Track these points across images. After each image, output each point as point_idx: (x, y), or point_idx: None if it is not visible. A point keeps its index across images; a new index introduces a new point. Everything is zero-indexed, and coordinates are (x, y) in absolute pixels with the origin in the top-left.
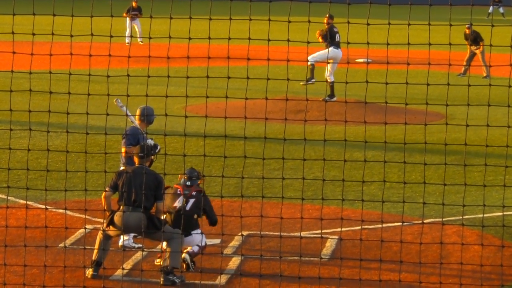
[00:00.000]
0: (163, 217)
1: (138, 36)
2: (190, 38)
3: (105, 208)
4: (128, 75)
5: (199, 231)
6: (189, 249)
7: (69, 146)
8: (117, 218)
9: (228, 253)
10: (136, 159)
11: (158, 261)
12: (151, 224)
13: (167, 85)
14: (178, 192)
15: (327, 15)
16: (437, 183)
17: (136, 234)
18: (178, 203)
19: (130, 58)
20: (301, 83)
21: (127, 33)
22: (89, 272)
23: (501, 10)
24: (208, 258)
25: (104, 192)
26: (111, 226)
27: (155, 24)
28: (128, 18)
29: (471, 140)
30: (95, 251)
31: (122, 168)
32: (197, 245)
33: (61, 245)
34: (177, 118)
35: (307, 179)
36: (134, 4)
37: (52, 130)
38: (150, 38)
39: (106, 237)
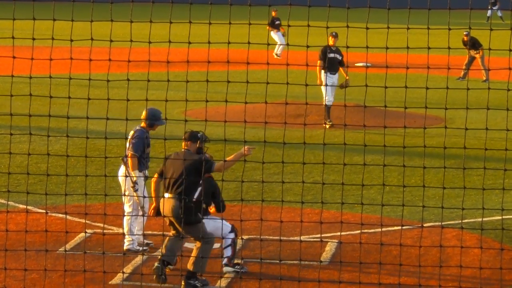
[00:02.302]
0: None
1: (278, 44)
2: (190, 43)
3: (152, 194)
4: (128, 80)
5: (219, 221)
6: (224, 261)
7: (69, 150)
8: (160, 205)
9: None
10: (183, 143)
11: (168, 268)
12: (186, 217)
13: (167, 90)
14: None
15: (334, 34)
16: (437, 187)
17: (140, 237)
18: None
19: (130, 62)
20: (327, 126)
21: (280, 42)
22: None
23: (499, 13)
24: (208, 262)
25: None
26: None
27: (154, 28)
28: (271, 31)
29: (471, 144)
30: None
31: (122, 167)
32: (229, 247)
33: (61, 249)
34: (177, 123)
35: (307, 182)
36: (274, 13)
37: (52, 134)
38: (150, 42)
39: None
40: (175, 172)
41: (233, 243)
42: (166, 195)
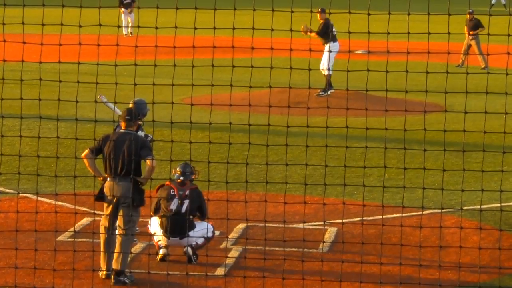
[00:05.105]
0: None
1: (128, 26)
2: (195, 28)
3: (92, 171)
4: (135, 65)
5: (204, 224)
6: (193, 244)
7: (77, 135)
8: (105, 189)
9: (230, 244)
10: (122, 123)
11: (160, 255)
12: (136, 199)
13: (173, 77)
14: (173, 193)
15: (319, 10)
16: (436, 169)
17: None
18: (173, 206)
19: (136, 49)
20: (315, 94)
21: (124, 24)
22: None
23: (503, 1)
24: (209, 249)
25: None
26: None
27: (160, 15)
28: (121, 11)
29: (470, 130)
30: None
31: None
32: (203, 237)
33: (71, 230)
34: (182, 111)
35: (310, 164)
36: None
37: (61, 118)
38: (156, 28)
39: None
40: (124, 154)
41: (209, 239)
42: (116, 178)
